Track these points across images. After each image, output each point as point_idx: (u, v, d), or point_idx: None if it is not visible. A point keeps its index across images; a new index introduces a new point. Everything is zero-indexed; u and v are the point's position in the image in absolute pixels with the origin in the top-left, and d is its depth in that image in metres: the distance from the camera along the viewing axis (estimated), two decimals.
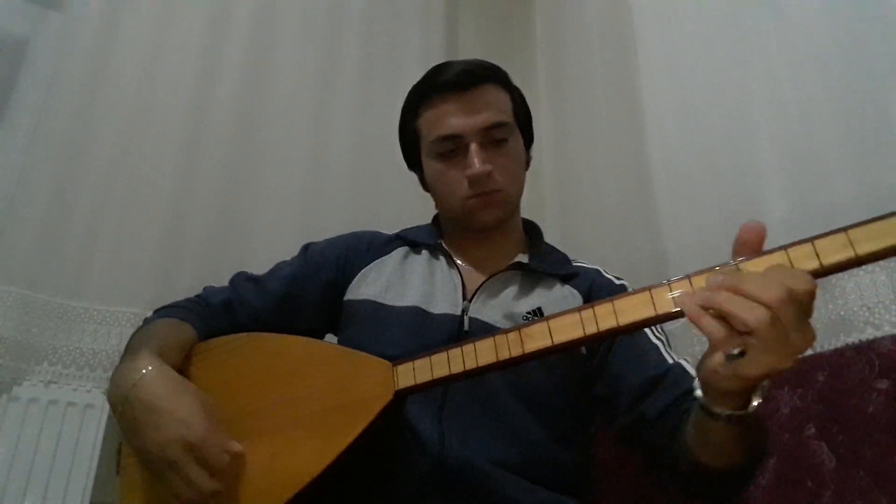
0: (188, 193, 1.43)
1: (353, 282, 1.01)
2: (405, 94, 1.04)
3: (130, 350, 0.85)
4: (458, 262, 1.00)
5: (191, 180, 1.44)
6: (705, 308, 0.53)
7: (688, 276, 0.59)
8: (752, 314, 0.50)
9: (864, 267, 1.01)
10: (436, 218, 1.10)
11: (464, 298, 0.95)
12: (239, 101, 1.54)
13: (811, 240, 0.55)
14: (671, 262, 1.35)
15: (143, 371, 0.76)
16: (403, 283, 0.99)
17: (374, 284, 0.99)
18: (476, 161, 0.93)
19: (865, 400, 0.97)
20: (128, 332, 1.28)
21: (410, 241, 1.05)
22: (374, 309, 0.96)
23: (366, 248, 1.05)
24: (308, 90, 1.64)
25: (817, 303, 1.09)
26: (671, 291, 0.59)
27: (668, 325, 1.34)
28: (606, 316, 0.62)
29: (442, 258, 1.01)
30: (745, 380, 0.54)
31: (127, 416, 0.75)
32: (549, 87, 1.88)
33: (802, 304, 0.52)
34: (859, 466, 0.95)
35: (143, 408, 0.73)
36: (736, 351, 0.53)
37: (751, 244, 0.57)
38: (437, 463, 0.81)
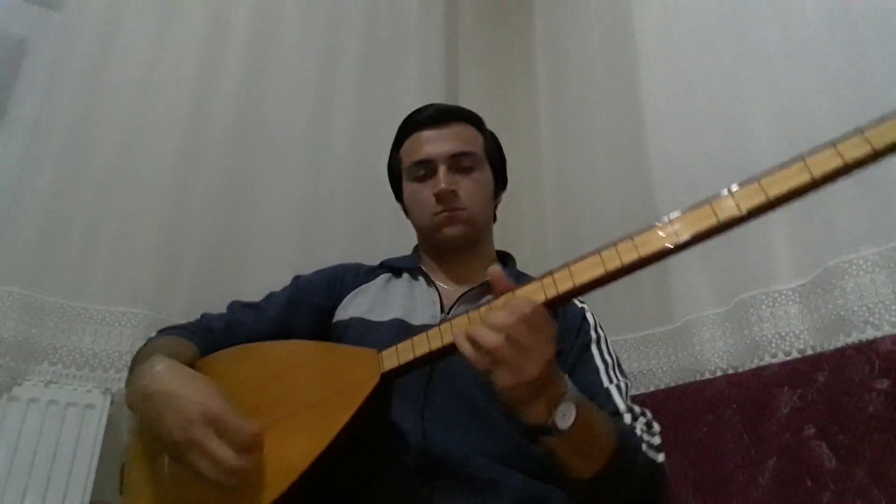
0: (188, 193, 1.43)
1: (341, 305, 1.10)
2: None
3: (139, 359, 0.90)
4: (436, 282, 1.10)
5: (191, 180, 1.44)
6: (469, 339, 0.69)
7: (630, 235, 0.66)
8: (485, 337, 0.67)
9: (863, 267, 1.02)
10: (416, 248, 1.20)
11: (441, 311, 1.03)
12: (239, 100, 1.54)
13: (825, 147, 0.60)
14: (670, 261, 1.35)
15: (157, 368, 0.81)
16: (387, 301, 1.07)
17: (361, 305, 1.08)
18: (442, 178, 1.06)
19: (865, 400, 0.97)
20: (128, 332, 1.29)
21: (392, 267, 1.15)
22: (361, 325, 1.04)
23: (352, 276, 1.14)
24: (308, 93, 1.64)
25: (817, 302, 1.10)
26: (618, 251, 0.66)
27: (673, 324, 1.35)
28: (564, 280, 0.69)
29: (421, 279, 1.11)
30: (503, 389, 0.68)
31: (148, 411, 0.78)
32: (549, 87, 1.88)
33: (533, 323, 0.67)
34: (859, 466, 0.95)
35: (162, 397, 0.77)
36: (488, 366, 0.67)
37: (498, 285, 0.72)
38: (422, 453, 0.87)
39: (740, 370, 1.18)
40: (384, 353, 0.79)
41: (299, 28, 1.69)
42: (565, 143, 1.76)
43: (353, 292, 1.11)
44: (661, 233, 0.65)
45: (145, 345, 0.97)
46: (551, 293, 0.69)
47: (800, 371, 1.08)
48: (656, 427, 0.91)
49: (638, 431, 0.88)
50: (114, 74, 1.42)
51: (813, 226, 1.10)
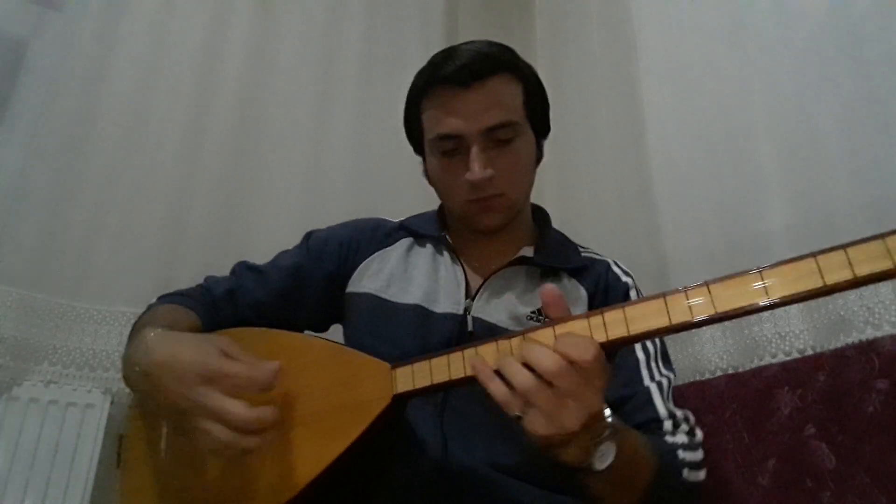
0: (188, 193, 1.43)
1: (355, 273, 0.99)
2: (405, 92, 0.99)
3: (135, 331, 0.84)
4: (463, 257, 0.97)
5: (191, 180, 1.44)
6: (498, 372, 0.59)
7: (706, 283, 0.55)
8: (519, 378, 0.56)
9: None
10: (441, 207, 1.05)
11: (467, 296, 0.92)
12: (239, 100, 1.54)
13: (843, 247, 0.51)
14: (670, 261, 1.35)
15: (149, 337, 0.74)
16: (407, 278, 0.96)
17: (377, 278, 0.96)
18: (476, 166, 0.87)
19: (865, 400, 0.97)
20: (128, 331, 1.28)
21: (414, 231, 1.02)
22: (376, 304, 0.94)
23: (368, 238, 1.02)
24: (308, 88, 1.64)
25: (817, 302, 1.10)
26: (688, 299, 0.55)
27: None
28: (617, 324, 0.58)
29: (446, 253, 0.98)
30: (534, 436, 0.58)
31: (148, 386, 0.71)
32: (549, 86, 1.87)
33: (586, 371, 0.55)
34: (859, 466, 0.95)
35: (155, 367, 0.70)
36: (518, 412, 0.58)
37: (553, 305, 0.61)
38: (440, 468, 0.80)
39: (740, 370, 1.18)
40: (398, 371, 0.71)
41: (300, 21, 1.69)
42: (565, 143, 1.76)
43: (369, 258, 0.99)
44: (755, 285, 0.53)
45: (144, 312, 0.91)
46: (618, 334, 0.57)
47: (800, 371, 1.07)
48: (698, 436, 0.84)
49: (680, 453, 0.80)
50: (114, 74, 1.42)
51: (812, 227, 1.10)
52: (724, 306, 0.53)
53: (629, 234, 1.48)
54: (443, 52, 0.93)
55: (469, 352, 0.66)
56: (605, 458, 0.62)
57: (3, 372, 1.18)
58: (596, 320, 0.59)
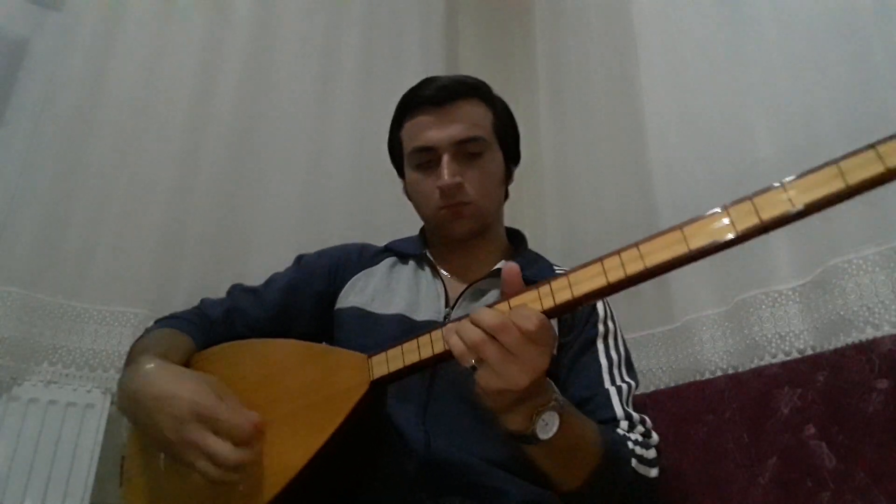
0: (188, 193, 1.43)
1: (343, 291, 1.05)
2: (405, 88, 1.05)
3: (132, 357, 0.88)
4: (442, 271, 1.04)
5: (191, 180, 1.44)
6: (458, 334, 0.66)
7: (636, 245, 0.62)
8: (468, 333, 0.64)
9: (863, 267, 1.02)
10: (423, 229, 1.13)
11: (446, 305, 0.98)
12: (239, 100, 1.54)
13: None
14: None
15: (147, 367, 0.78)
16: (389, 291, 1.02)
17: (362, 293, 1.02)
18: (446, 172, 0.96)
19: (865, 400, 0.97)
20: (128, 332, 1.29)
21: (397, 252, 1.09)
22: (361, 316, 0.99)
23: (356, 259, 1.09)
24: (308, 91, 1.64)
25: (817, 302, 1.10)
26: (621, 260, 0.62)
27: (673, 324, 1.35)
28: (562, 290, 0.64)
29: (427, 268, 1.05)
30: (486, 392, 0.65)
31: (139, 414, 0.76)
32: (548, 87, 1.88)
33: (532, 335, 0.62)
34: (859, 466, 0.95)
35: (152, 399, 0.75)
36: (472, 362, 0.65)
37: (509, 281, 0.68)
38: (424, 463, 0.84)
39: (740, 370, 1.18)
40: (374, 358, 0.76)
41: (300, 23, 1.69)
42: (565, 143, 1.76)
43: (355, 277, 1.05)
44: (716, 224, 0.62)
45: (141, 337, 0.95)
46: (563, 298, 0.64)
47: (800, 371, 1.08)
48: (654, 438, 0.88)
49: (630, 444, 0.84)
50: (114, 74, 1.42)
51: (812, 225, 1.10)
52: (652, 261, 0.60)
53: (629, 232, 1.48)
54: (424, 79, 1.05)
55: (435, 333, 0.71)
56: (548, 428, 0.68)
57: (3, 372, 1.18)
58: (544, 289, 0.66)
